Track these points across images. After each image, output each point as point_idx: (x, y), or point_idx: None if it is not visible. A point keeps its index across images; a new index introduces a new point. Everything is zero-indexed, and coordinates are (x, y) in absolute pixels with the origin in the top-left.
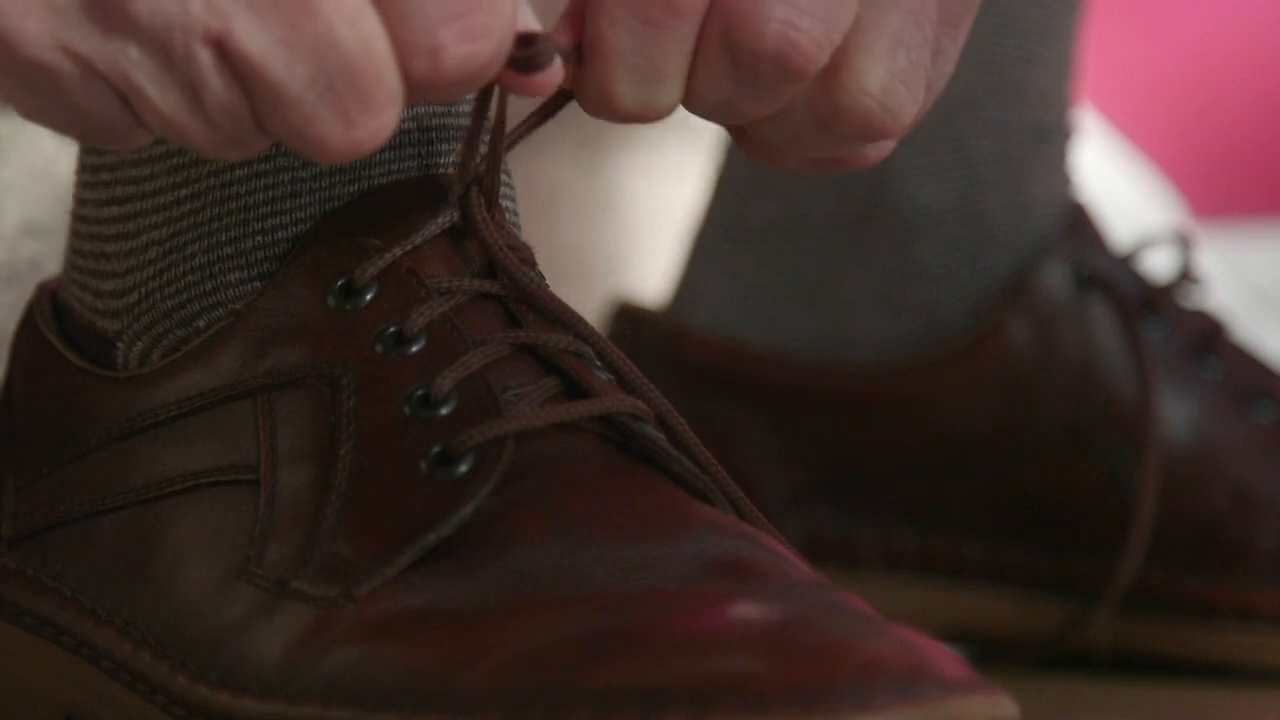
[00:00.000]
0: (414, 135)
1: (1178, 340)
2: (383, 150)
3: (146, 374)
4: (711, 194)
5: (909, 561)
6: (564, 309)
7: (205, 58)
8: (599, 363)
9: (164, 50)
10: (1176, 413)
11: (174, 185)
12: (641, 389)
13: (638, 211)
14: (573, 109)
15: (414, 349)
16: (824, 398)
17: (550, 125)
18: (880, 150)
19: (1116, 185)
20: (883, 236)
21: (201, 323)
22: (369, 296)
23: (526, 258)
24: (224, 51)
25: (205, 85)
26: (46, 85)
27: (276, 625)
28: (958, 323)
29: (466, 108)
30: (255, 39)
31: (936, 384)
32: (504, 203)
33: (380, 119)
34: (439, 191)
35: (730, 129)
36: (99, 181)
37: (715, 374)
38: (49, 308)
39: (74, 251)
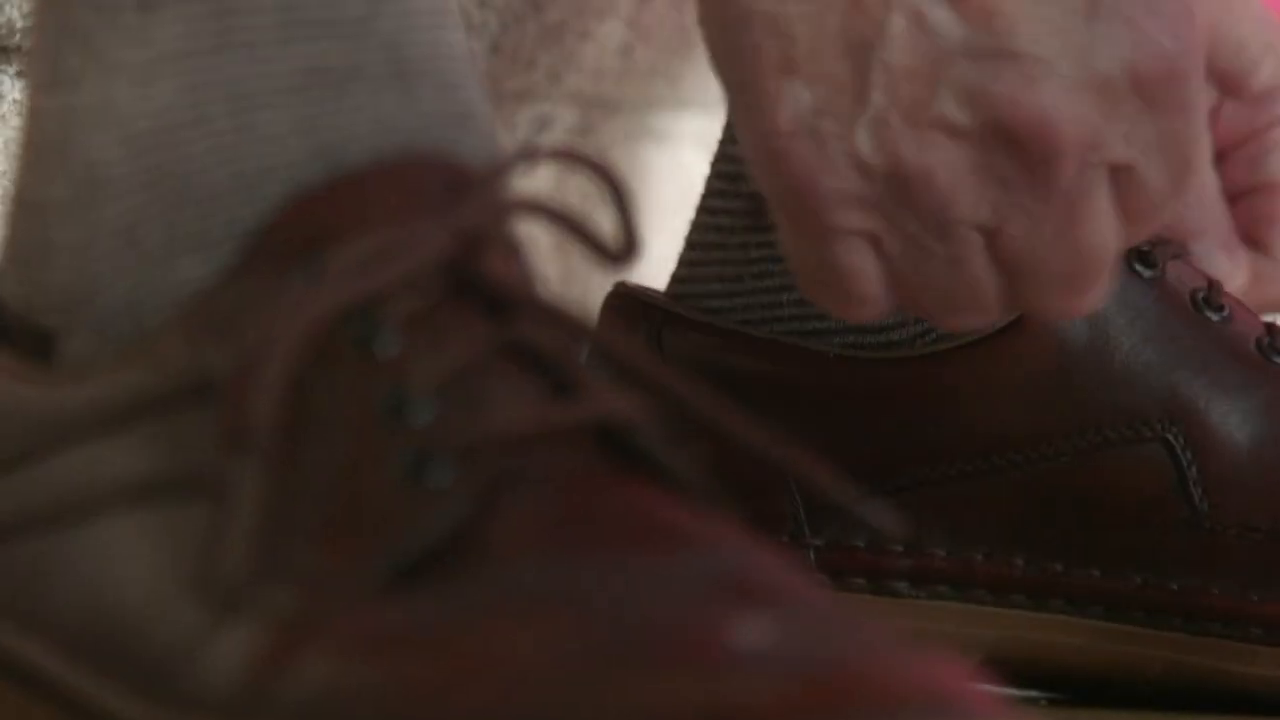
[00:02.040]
0: (401, 120)
1: (1244, 325)
2: (362, 140)
3: (84, 373)
4: (717, 165)
5: (943, 578)
6: (555, 303)
7: (975, 241)
8: (596, 363)
9: (941, 230)
10: (1244, 408)
11: (139, 171)
12: (662, 387)
13: (647, 187)
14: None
15: (388, 345)
16: (845, 390)
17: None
18: None
19: None
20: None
21: (153, 317)
22: None
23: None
24: (992, 240)
25: (965, 262)
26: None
27: (235, 640)
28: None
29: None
30: (1024, 236)
31: (974, 372)
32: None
33: (1098, 290)
34: (422, 178)
35: None
36: (46, 163)
37: (720, 366)
38: None
39: (13, 241)
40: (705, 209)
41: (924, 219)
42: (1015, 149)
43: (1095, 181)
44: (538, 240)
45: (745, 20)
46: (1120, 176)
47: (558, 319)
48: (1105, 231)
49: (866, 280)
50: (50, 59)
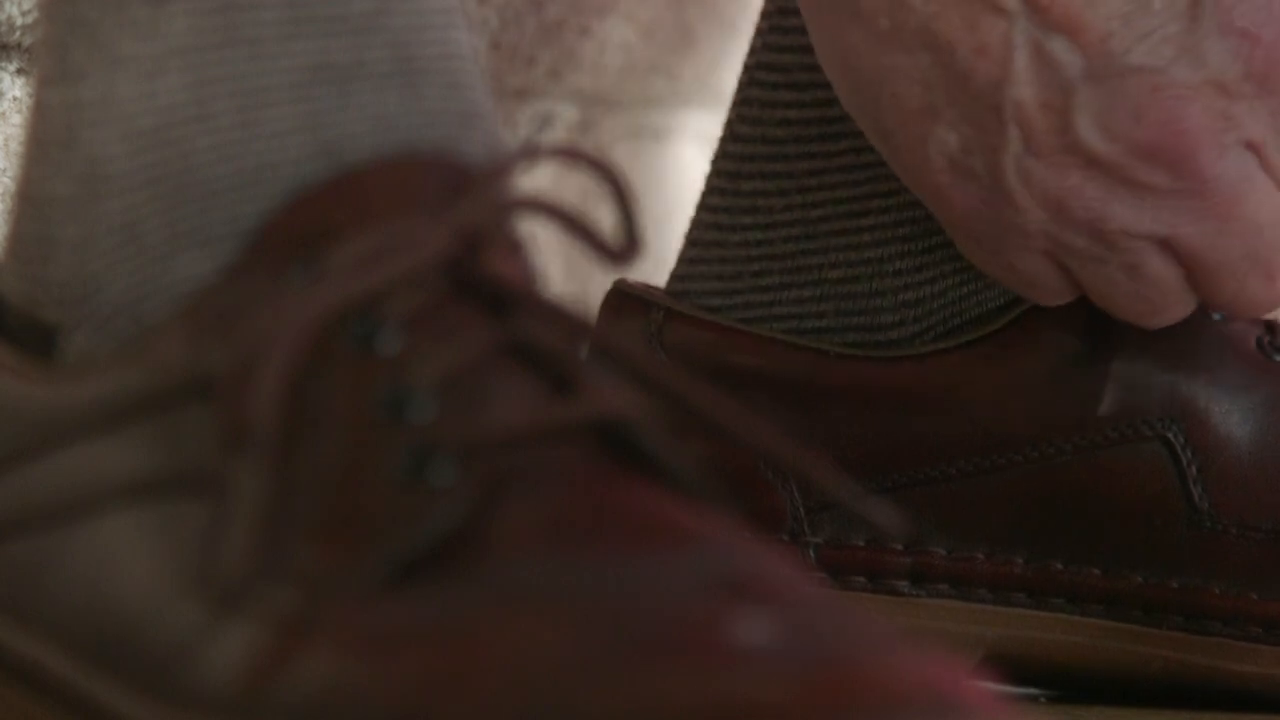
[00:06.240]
0: (405, 119)
1: (1244, 323)
2: (365, 137)
3: (84, 370)
4: (717, 163)
5: (944, 576)
6: (555, 301)
7: (1145, 248)
8: (597, 360)
9: (1106, 244)
10: (1244, 406)
11: (142, 167)
12: (659, 386)
13: (647, 184)
14: None
15: (388, 343)
16: (844, 388)
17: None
18: None
19: None
20: (912, 211)
21: (153, 314)
22: None
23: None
24: (1166, 246)
25: (1141, 266)
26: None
27: (235, 638)
28: (998, 300)
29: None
30: (1196, 234)
31: (974, 371)
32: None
33: None
34: (424, 175)
35: None
36: (50, 158)
37: (720, 363)
38: None
39: (15, 236)
40: (705, 206)
41: (1086, 236)
42: (1156, 157)
43: (1241, 160)
44: (538, 238)
45: (878, 75)
46: (1258, 154)
47: (558, 317)
48: (1272, 204)
49: (1055, 288)
50: (57, 52)
